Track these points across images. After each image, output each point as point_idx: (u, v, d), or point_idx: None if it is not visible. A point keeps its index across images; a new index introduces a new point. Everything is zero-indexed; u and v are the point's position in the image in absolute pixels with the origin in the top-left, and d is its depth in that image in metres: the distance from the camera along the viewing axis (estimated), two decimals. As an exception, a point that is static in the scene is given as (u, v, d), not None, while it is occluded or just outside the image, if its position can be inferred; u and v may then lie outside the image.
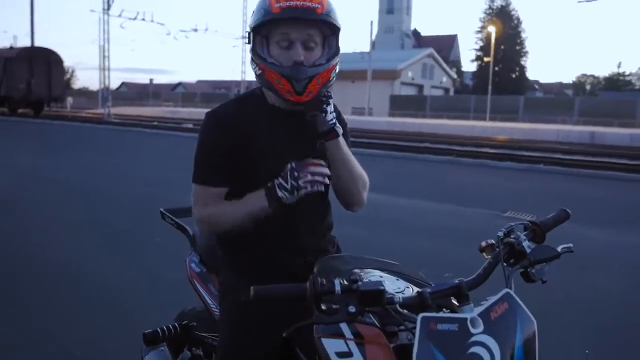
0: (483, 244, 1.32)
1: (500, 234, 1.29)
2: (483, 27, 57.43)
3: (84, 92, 75.65)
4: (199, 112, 39.91)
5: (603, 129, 27.22)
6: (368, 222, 6.40)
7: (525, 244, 1.28)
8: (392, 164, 12.32)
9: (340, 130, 1.50)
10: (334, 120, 1.49)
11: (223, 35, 49.38)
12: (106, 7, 32.18)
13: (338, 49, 1.50)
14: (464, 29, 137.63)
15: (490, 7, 58.24)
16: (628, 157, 16.31)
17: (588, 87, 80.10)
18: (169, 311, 2.21)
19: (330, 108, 1.47)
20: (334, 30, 1.48)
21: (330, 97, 1.48)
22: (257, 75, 1.48)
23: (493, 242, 1.31)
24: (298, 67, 1.41)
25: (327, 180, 1.42)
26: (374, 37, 50.11)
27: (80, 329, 3.28)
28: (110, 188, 8.25)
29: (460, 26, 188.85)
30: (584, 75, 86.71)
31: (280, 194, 1.39)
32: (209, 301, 1.72)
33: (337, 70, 1.50)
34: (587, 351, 3.17)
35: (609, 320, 3.71)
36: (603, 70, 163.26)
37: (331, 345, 1.18)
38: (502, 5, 57.63)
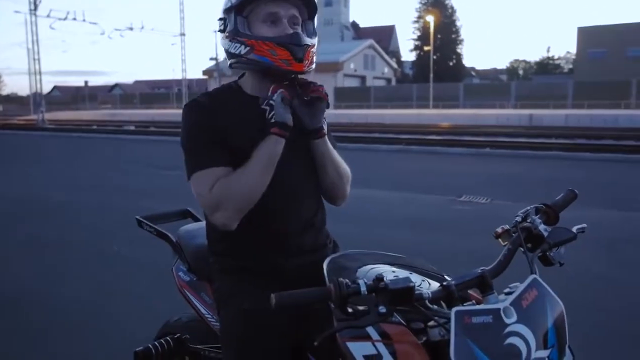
0: (499, 230, 1.29)
1: (518, 218, 1.26)
2: (420, 17, 58.74)
3: (14, 98, 71.92)
4: (140, 114, 38.86)
5: (540, 111, 28.49)
6: (328, 215, 6.37)
7: (542, 227, 1.26)
8: (344, 155, 12.25)
9: (326, 127, 1.50)
10: (325, 119, 1.49)
11: (160, 33, 47.85)
12: (32, 7, 30.59)
13: (316, 32, 1.52)
14: (401, 20, 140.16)
15: (425, -3, 59.52)
16: (566, 137, 17.10)
17: (521, 72, 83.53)
18: (147, 325, 2.07)
19: (323, 106, 1.46)
20: (311, 13, 1.51)
21: (326, 94, 1.47)
22: (240, 56, 1.42)
23: (508, 227, 1.28)
24: (295, 33, 1.41)
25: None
26: (314, 30, 50.10)
27: (51, 348, 3.06)
28: (55, 198, 7.82)
29: (397, 17, 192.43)
30: (516, 60, 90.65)
31: (282, 118, 1.37)
32: (204, 311, 1.61)
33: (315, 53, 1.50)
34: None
35: (581, 294, 3.82)
36: (534, 55, 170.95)
37: (358, 349, 1.12)
38: (436, -5, 59.03)
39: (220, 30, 1.47)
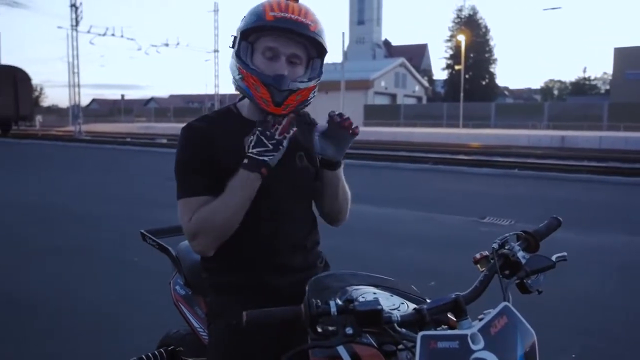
0: (477, 255, 1.30)
1: (495, 245, 1.27)
2: (452, 36, 58.44)
3: (54, 110, 74.38)
4: (173, 127, 39.65)
5: (573, 132, 27.88)
6: (348, 233, 6.38)
7: (520, 254, 1.26)
8: (370, 173, 12.35)
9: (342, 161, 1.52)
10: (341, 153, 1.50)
11: (195, 49, 49.29)
12: (74, 23, 31.75)
13: (321, 72, 1.48)
14: (434, 39, 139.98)
15: (458, 17, 59.38)
16: (599, 160, 16.70)
17: (556, 92, 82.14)
18: (153, 334, 2.13)
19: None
20: (320, 52, 1.47)
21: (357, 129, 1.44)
22: (235, 80, 1.46)
23: (487, 253, 1.29)
24: (281, 76, 1.39)
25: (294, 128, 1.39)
26: (345, 48, 50.53)
27: (56, 356, 3.16)
28: (84, 209, 8.06)
29: (430, 35, 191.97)
30: (551, 80, 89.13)
31: (263, 158, 1.36)
32: (196, 325, 1.66)
33: (315, 93, 1.48)
34: (573, 355, 3.20)
35: (591, 322, 3.74)
36: (569, 75, 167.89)
37: (329, 369, 1.14)
38: (470, 14, 58.81)
39: (230, 47, 1.48)
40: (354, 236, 5.98)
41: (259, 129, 1.38)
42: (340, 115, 1.41)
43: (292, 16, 1.36)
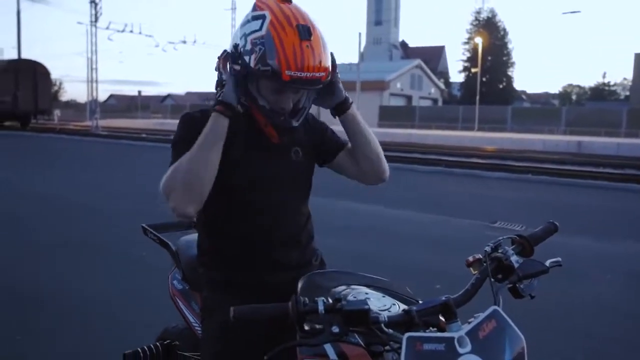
0: (470, 258, 1.29)
1: (488, 248, 1.26)
2: (470, 39, 58.04)
3: (72, 105, 75.31)
4: (188, 124, 39.82)
5: (590, 138, 27.52)
6: (356, 232, 6.37)
7: (513, 258, 1.25)
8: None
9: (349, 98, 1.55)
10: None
11: (211, 46, 49.53)
12: (94, 19, 32.13)
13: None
14: (451, 40, 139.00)
15: (476, 19, 58.94)
16: (615, 167, 16.46)
17: (574, 97, 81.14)
18: (155, 329, 2.14)
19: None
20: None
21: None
22: (240, 103, 1.44)
23: (480, 256, 1.28)
24: (285, 120, 1.44)
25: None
26: (362, 49, 50.43)
27: (59, 348, 3.19)
28: (98, 203, 8.15)
29: (447, 37, 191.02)
30: (570, 85, 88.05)
31: (227, 98, 1.40)
32: (192, 319, 1.67)
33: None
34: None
35: (604, 329, 3.70)
36: (588, 80, 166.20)
37: (315, 367, 1.14)
38: (488, 17, 58.34)
39: (234, 64, 1.41)
40: (362, 236, 5.97)
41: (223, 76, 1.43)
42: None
43: (307, 75, 1.35)
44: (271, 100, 1.43)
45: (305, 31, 1.35)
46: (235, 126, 1.47)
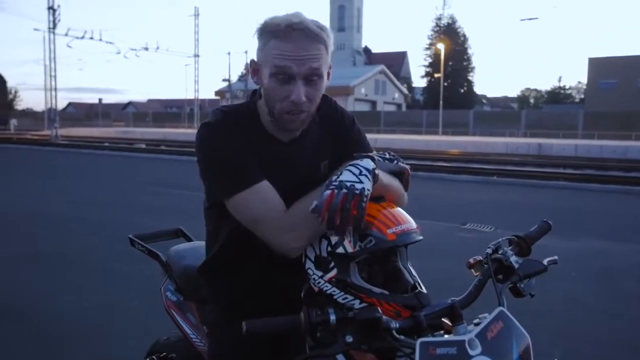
0: (471, 260, 1.32)
1: (489, 250, 1.29)
2: (431, 44, 59.18)
3: (29, 113, 73.08)
4: (152, 132, 39.27)
5: (549, 140, 28.43)
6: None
7: (513, 259, 1.28)
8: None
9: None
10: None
11: (174, 53, 48.89)
12: (52, 26, 31.28)
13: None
14: (413, 46, 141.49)
15: (437, 25, 60.17)
16: (575, 167, 17.04)
17: (532, 100, 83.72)
18: (141, 342, 2.10)
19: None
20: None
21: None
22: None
23: (481, 258, 1.31)
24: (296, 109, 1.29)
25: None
26: (326, 55, 50.68)
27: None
28: (62, 214, 7.91)
29: (409, 43, 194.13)
30: (527, 89, 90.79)
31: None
32: (189, 331, 1.64)
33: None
34: (555, 359, 3.25)
35: (573, 325, 3.81)
36: (545, 84, 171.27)
37: (327, 375, 1.14)
38: (449, 23, 59.64)
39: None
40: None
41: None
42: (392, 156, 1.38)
43: (405, 227, 1.30)
44: (277, 93, 1.28)
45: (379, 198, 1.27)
46: (263, 148, 1.35)
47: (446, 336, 1.14)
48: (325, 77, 1.33)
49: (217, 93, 54.76)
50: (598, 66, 48.23)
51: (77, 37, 33.71)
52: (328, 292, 1.23)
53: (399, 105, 59.39)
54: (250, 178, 1.28)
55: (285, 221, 1.26)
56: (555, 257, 1.35)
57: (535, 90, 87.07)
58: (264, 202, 1.28)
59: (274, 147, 1.37)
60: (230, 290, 1.49)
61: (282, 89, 1.26)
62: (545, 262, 1.32)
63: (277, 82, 1.26)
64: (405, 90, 62.29)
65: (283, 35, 1.24)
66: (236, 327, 1.39)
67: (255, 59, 1.33)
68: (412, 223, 1.31)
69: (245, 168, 1.29)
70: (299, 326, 1.07)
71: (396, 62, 68.69)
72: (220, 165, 1.30)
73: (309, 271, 1.27)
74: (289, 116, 1.29)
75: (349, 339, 1.06)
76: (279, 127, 1.35)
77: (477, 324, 1.16)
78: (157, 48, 40.59)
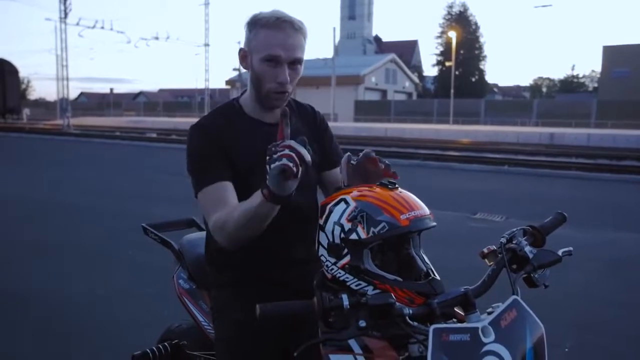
0: (485, 250, 1.31)
1: (503, 240, 1.29)
2: (443, 33, 58.59)
3: (41, 103, 73.64)
4: (162, 122, 39.40)
5: (562, 129, 28.10)
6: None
7: (527, 249, 1.28)
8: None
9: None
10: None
11: (185, 43, 48.90)
12: (63, 15, 31.42)
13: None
14: (424, 35, 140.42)
15: (449, 13, 59.57)
16: (587, 157, 16.86)
17: (544, 89, 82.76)
18: (153, 329, 2.13)
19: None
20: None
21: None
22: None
23: (495, 248, 1.31)
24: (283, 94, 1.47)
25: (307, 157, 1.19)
26: (336, 43, 50.48)
27: (51, 348, 3.14)
28: (74, 203, 7.99)
29: (420, 32, 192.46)
30: (540, 78, 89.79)
31: (269, 184, 1.21)
32: (201, 318, 1.66)
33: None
34: (566, 349, 3.24)
35: (586, 316, 3.80)
36: (558, 73, 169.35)
37: (340, 361, 1.15)
38: (460, 11, 59.01)
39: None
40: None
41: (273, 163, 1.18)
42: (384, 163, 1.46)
43: (418, 213, 1.30)
44: (267, 75, 1.44)
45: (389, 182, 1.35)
46: (245, 133, 1.50)
47: (459, 323, 1.14)
48: (303, 63, 1.52)
49: (227, 82, 54.72)
50: (612, 54, 47.47)
51: (88, 27, 33.86)
52: (341, 278, 1.24)
53: (409, 94, 59.00)
54: (209, 178, 1.43)
55: (212, 227, 1.40)
56: (570, 248, 1.34)
57: (548, 79, 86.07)
58: (213, 201, 1.41)
59: (262, 130, 1.51)
60: (232, 278, 1.53)
61: (271, 71, 1.44)
62: (560, 252, 1.31)
63: (268, 66, 1.43)
64: (416, 79, 61.82)
65: (274, 26, 1.41)
66: (239, 313, 1.44)
67: (245, 48, 1.49)
68: (425, 209, 1.30)
69: (208, 168, 1.45)
70: (312, 311, 1.07)
71: (407, 51, 68.18)
72: (193, 164, 1.49)
73: (322, 258, 1.28)
74: (275, 94, 1.47)
75: (362, 324, 1.06)
76: (265, 109, 1.52)
77: (490, 313, 1.16)
78: (168, 37, 40.65)
